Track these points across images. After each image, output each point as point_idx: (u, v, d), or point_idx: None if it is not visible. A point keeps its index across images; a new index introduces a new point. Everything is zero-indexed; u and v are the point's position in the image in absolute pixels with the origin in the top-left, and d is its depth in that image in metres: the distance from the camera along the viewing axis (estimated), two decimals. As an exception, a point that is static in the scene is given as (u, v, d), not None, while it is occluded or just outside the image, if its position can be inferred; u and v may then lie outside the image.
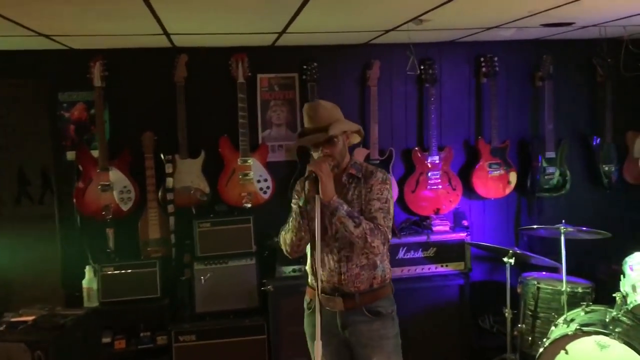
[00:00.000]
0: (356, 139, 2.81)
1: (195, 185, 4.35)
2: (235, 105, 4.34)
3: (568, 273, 3.93)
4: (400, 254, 4.38)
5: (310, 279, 2.78)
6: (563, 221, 3.79)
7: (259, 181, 4.41)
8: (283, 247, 2.76)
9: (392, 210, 2.65)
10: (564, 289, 3.79)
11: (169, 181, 4.29)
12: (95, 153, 4.24)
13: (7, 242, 4.37)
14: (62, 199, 4.34)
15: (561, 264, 3.92)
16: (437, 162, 4.64)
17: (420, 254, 4.42)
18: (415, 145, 4.70)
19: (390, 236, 2.59)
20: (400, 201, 4.65)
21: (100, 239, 4.28)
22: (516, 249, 4.05)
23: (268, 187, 4.43)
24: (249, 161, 4.38)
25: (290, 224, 2.68)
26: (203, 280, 4.21)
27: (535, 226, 4.04)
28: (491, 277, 4.92)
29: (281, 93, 4.57)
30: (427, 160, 4.63)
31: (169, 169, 4.29)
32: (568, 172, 4.82)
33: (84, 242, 4.31)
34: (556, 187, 4.82)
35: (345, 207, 2.52)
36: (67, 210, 4.31)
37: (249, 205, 4.39)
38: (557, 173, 4.80)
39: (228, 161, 4.40)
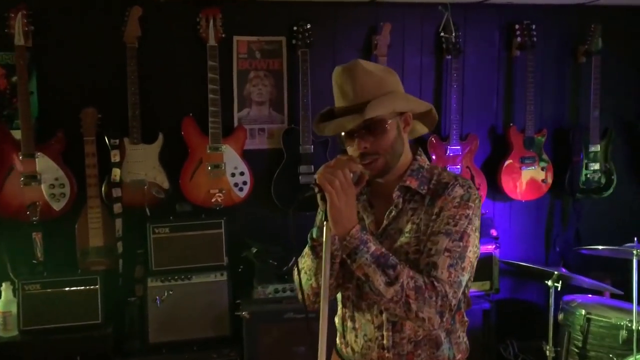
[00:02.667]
0: (422, 129, 1.77)
1: (151, 179, 3.38)
2: (204, 75, 3.36)
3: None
4: (412, 271, 3.46)
5: (338, 341, 1.78)
6: (635, 239, 2.90)
7: (233, 175, 3.45)
8: (298, 293, 1.70)
9: (472, 256, 1.56)
10: (634, 327, 2.91)
11: (116, 173, 3.31)
12: (17, 134, 3.23)
13: None
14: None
15: (621, 289, 3.09)
16: (458, 154, 3.71)
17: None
18: (431, 133, 3.78)
19: (454, 301, 1.49)
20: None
21: (25, 246, 3.28)
22: (563, 270, 3.18)
23: (245, 183, 3.47)
24: (220, 149, 3.41)
25: (303, 261, 1.68)
26: (159, 302, 3.28)
27: (600, 247, 3.13)
28: (515, 295, 4.05)
29: (264, 62, 3.58)
30: (445, 151, 3.70)
31: (115, 156, 3.30)
32: (614, 170, 3.95)
33: (1, 250, 3.31)
34: (599, 187, 3.95)
35: (373, 248, 1.49)
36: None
37: (221, 206, 3.43)
38: (601, 170, 3.92)
39: (193, 148, 3.42)
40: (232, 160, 3.45)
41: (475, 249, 1.57)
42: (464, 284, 1.53)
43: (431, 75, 3.80)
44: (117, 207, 3.34)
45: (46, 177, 3.24)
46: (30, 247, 3.28)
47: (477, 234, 1.58)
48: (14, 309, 3.16)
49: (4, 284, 3.19)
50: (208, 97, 3.35)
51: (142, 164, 3.37)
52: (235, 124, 3.56)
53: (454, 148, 3.70)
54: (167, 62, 3.46)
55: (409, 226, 1.59)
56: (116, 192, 3.32)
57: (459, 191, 1.57)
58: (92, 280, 3.24)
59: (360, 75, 1.56)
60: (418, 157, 1.68)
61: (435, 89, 3.81)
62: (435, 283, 1.47)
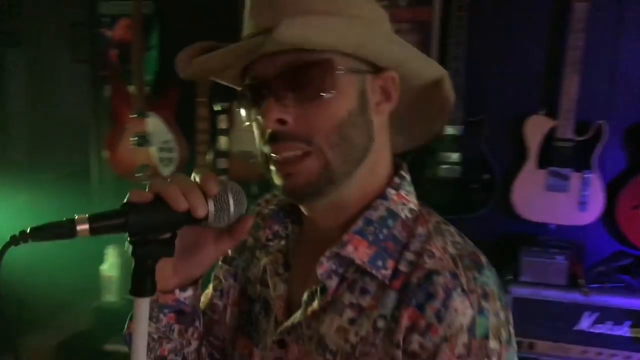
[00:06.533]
0: (405, 142, 0.90)
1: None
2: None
3: None
4: (585, 324, 2.33)
5: None
6: None
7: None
8: None
9: None
10: None
11: (223, 141, 2.88)
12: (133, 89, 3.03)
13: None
14: (97, 153, 3.25)
15: None
16: None
17: (625, 330, 2.31)
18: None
19: None
20: (610, 222, 2.51)
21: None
22: None
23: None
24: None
25: None
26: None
27: None
28: None
29: (410, 11, 2.72)
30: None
31: (223, 122, 2.87)
32: None
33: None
34: None
35: None
36: (102, 166, 3.23)
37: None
38: None
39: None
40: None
41: None
42: None
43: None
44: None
45: (156, 138, 2.99)
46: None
47: None
48: (115, 273, 3.03)
49: (109, 247, 3.07)
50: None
51: (251, 134, 2.87)
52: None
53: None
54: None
55: (338, 339, 0.77)
56: (222, 163, 2.91)
57: (460, 309, 0.70)
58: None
59: None
60: (393, 186, 0.82)
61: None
62: None
